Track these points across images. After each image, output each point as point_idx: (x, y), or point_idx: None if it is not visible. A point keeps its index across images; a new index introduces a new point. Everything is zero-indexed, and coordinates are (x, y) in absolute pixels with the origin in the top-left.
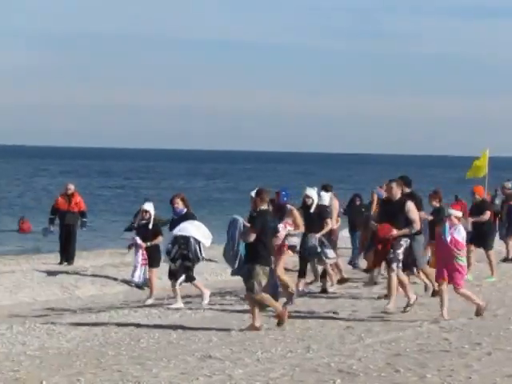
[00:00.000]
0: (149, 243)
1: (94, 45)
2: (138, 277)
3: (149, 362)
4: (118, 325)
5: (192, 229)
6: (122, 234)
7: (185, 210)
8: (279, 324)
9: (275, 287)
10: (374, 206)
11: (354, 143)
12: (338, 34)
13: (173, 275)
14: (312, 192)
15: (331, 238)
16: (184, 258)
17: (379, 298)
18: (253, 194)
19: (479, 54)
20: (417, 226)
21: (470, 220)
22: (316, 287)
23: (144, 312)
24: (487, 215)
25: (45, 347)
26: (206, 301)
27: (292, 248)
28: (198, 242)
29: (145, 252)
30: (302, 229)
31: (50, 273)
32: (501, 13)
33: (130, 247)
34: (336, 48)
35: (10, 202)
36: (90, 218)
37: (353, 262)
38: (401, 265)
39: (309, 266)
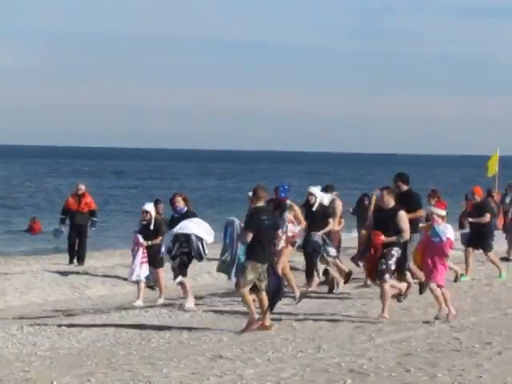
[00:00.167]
0: (150, 242)
1: (95, 44)
2: (136, 276)
3: (159, 361)
4: (129, 325)
5: (193, 226)
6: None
7: (185, 208)
8: (241, 331)
9: (277, 287)
10: (372, 209)
11: (354, 143)
12: (337, 34)
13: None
14: (315, 190)
15: (331, 238)
16: (184, 256)
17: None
18: (250, 194)
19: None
20: (406, 235)
21: (468, 220)
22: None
23: (154, 312)
24: (487, 217)
25: (55, 347)
26: (189, 305)
27: (292, 241)
28: (201, 240)
29: (145, 251)
30: (303, 224)
31: (61, 273)
32: (501, 13)
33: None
34: (335, 48)
35: (21, 203)
36: (101, 217)
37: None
38: (393, 275)
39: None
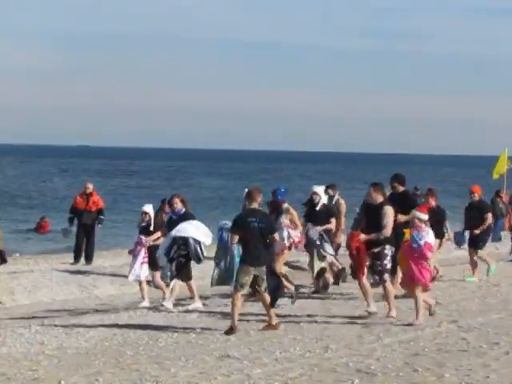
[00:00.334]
0: (151, 242)
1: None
2: (136, 276)
3: (167, 361)
4: (137, 325)
5: (191, 229)
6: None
7: (183, 209)
8: (226, 332)
9: (275, 289)
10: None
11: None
12: (338, 33)
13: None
14: (319, 189)
15: (331, 235)
16: (182, 258)
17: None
18: (244, 192)
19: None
20: (386, 232)
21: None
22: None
23: (162, 312)
24: (490, 218)
25: (63, 347)
26: (167, 305)
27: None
28: (199, 242)
29: (147, 251)
30: (300, 228)
31: (69, 272)
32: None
33: (130, 252)
34: (336, 48)
35: (32, 202)
36: (111, 217)
37: None
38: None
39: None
